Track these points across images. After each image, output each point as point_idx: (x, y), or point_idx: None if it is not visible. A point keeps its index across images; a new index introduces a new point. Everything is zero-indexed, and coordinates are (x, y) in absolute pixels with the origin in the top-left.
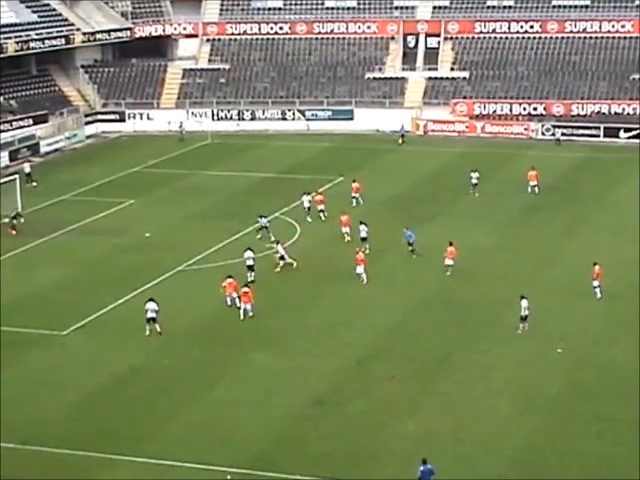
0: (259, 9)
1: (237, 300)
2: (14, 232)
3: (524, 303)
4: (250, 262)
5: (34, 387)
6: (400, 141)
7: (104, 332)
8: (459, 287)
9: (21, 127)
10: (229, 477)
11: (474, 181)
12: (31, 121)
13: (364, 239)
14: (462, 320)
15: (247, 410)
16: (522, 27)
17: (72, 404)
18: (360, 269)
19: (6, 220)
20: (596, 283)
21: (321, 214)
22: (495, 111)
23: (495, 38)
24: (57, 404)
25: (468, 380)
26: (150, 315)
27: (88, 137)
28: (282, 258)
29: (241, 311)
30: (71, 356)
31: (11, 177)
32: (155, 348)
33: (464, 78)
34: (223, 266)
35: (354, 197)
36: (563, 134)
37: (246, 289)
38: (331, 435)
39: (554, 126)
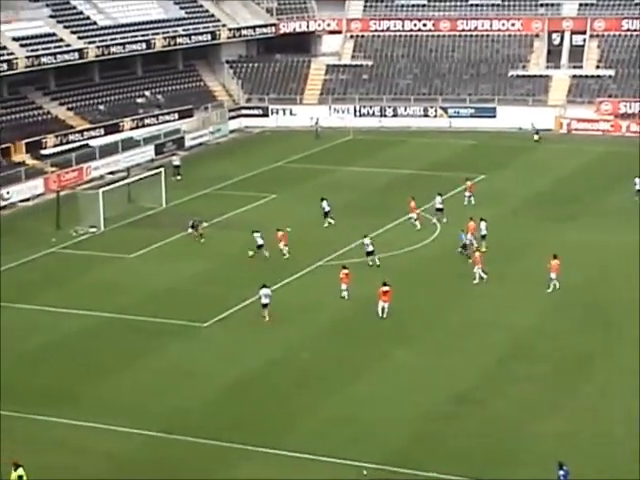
0: (403, 6)
1: (346, 293)
2: (202, 240)
3: None
4: (370, 248)
5: (176, 376)
6: (536, 138)
7: (244, 325)
8: (600, 288)
9: (167, 121)
10: (365, 472)
11: (638, 187)
12: (177, 115)
13: (484, 237)
14: (604, 321)
15: (386, 406)
16: None
17: (211, 395)
18: (476, 269)
19: (189, 230)
20: None
21: (416, 222)
22: None
23: None
24: (197, 394)
25: (610, 382)
26: (264, 301)
27: (232, 132)
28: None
29: (379, 308)
30: (212, 348)
31: (157, 170)
32: (294, 341)
33: (610, 76)
34: (362, 262)
35: (466, 196)
36: None
37: (387, 288)
38: (470, 433)
39: None
